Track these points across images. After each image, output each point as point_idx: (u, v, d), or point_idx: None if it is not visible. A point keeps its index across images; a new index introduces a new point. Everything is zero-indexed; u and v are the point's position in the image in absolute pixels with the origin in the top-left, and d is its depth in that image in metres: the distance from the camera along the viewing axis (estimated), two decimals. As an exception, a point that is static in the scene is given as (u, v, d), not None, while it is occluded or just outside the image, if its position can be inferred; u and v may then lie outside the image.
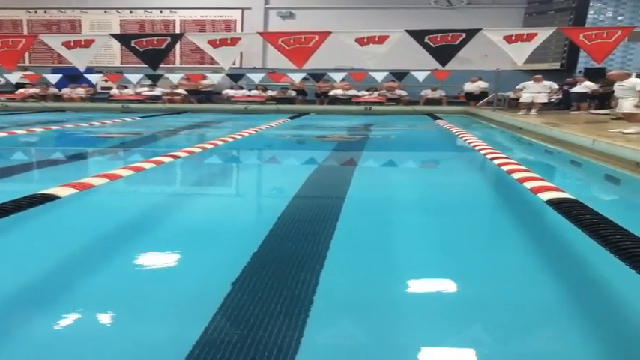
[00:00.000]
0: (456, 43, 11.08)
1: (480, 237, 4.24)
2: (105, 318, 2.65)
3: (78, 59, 11.93)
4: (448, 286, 3.12)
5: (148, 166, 6.60)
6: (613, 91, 11.12)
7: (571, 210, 4.03)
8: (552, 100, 17.46)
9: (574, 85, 17.42)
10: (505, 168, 6.31)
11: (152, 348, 2.31)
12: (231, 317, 2.53)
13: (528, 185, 5.12)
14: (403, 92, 21.63)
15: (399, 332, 2.49)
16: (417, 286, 3.13)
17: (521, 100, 16.20)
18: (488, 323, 2.59)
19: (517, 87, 16.87)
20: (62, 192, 4.79)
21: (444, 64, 11.04)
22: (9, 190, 5.68)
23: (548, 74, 17.25)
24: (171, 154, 7.62)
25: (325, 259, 3.41)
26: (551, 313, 2.74)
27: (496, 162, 6.85)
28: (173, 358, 2.14)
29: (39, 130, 12.10)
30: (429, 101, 21.21)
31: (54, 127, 12.73)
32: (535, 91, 15.85)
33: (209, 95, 22.82)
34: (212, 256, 3.63)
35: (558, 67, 21.06)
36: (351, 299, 2.88)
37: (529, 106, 15.86)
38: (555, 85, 16.82)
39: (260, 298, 2.76)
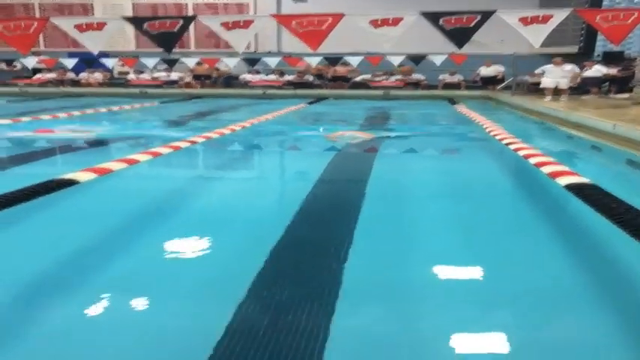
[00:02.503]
0: (471, 25, 11.03)
1: (500, 222, 4.25)
2: (133, 301, 2.69)
3: (91, 42, 11.97)
4: (469, 270, 3.14)
5: (166, 151, 6.64)
6: (633, 75, 10.99)
7: (591, 195, 4.02)
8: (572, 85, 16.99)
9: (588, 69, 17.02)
10: (523, 153, 6.29)
11: (181, 332, 2.34)
12: (260, 301, 2.57)
13: (546, 170, 5.10)
14: (421, 76, 21.49)
15: (423, 316, 2.52)
16: (440, 270, 3.14)
17: (543, 86, 15.49)
18: (510, 307, 2.61)
19: (536, 71, 16.27)
20: (82, 177, 4.83)
21: (460, 46, 10.99)
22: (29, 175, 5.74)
23: (566, 58, 16.95)
24: (190, 139, 7.67)
25: (351, 243, 3.45)
26: (572, 297, 2.76)
27: (514, 147, 6.82)
28: (204, 341, 2.17)
29: (60, 115, 12.18)
30: (448, 86, 21.03)
31: (75, 113, 12.80)
32: (558, 75, 15.16)
33: (228, 81, 22.78)
34: (237, 241, 3.67)
35: (576, 51, 20.82)
36: (377, 283, 2.92)
37: (554, 91, 15.11)
38: (577, 69, 15.91)
39: (289, 281, 2.81)
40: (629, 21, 10.62)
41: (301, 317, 2.38)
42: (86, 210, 4.49)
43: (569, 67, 15.47)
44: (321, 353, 2.09)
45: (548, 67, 15.55)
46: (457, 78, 21.20)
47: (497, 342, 2.28)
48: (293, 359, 2.05)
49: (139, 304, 2.67)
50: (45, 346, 2.24)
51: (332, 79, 22.26)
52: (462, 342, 2.29)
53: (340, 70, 21.96)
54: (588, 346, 2.29)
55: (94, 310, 2.59)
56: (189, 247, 3.57)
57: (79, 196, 4.68)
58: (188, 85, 22.14)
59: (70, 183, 4.62)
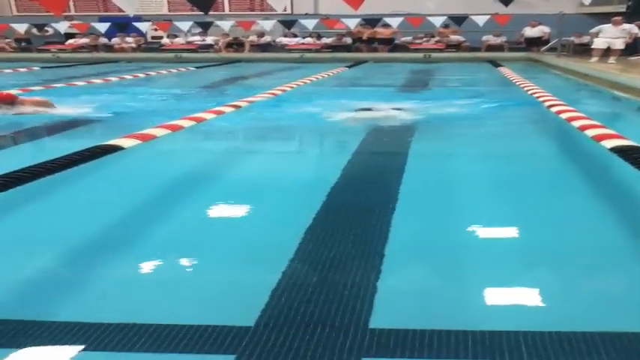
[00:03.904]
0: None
1: (543, 184, 4.39)
2: (183, 263, 2.89)
3: (126, 3, 12.02)
4: (513, 231, 3.30)
5: (208, 116, 6.83)
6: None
7: (637, 157, 4.11)
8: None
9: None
10: (565, 115, 6.34)
11: (231, 293, 2.52)
12: (309, 261, 2.76)
13: (591, 133, 5.17)
14: (461, 38, 21.34)
15: (467, 274, 2.68)
16: (483, 231, 3.29)
17: (595, 46, 15.03)
18: (552, 266, 2.77)
19: (591, 31, 15.73)
20: (126, 142, 5.04)
21: (506, 4, 10.86)
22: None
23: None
24: (231, 104, 7.87)
25: (395, 205, 3.63)
26: (615, 257, 2.90)
27: (556, 109, 6.87)
28: (253, 302, 2.31)
29: (97, 81, 12.45)
30: (491, 48, 20.82)
31: (112, 79, 13.08)
32: (613, 35, 14.67)
33: (265, 46, 22.80)
34: (282, 205, 3.87)
35: (624, 10, 20.43)
36: (421, 243, 3.10)
37: (604, 52, 14.75)
38: (636, 30, 15.16)
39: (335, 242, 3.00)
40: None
41: (349, 275, 2.57)
42: (131, 175, 4.75)
43: (627, 27, 14.97)
44: (370, 309, 2.27)
45: (605, 26, 15.05)
46: (501, 40, 20.98)
47: (539, 298, 2.42)
48: (343, 313, 2.23)
49: (190, 264, 2.88)
50: (99, 301, 2.45)
51: (368, 41, 22.13)
52: (504, 298, 2.45)
53: (383, 31, 21.79)
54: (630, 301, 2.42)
55: (151, 269, 2.82)
56: (236, 210, 3.80)
57: (123, 162, 4.92)
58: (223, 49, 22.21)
59: (115, 149, 4.84)
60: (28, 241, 3.21)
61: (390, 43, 21.84)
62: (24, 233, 3.37)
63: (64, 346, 2.01)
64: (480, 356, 1.92)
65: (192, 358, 1.96)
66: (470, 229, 3.31)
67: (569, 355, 1.92)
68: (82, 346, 2.00)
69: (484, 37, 21.04)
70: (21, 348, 2.01)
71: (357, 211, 3.58)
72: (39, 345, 2.04)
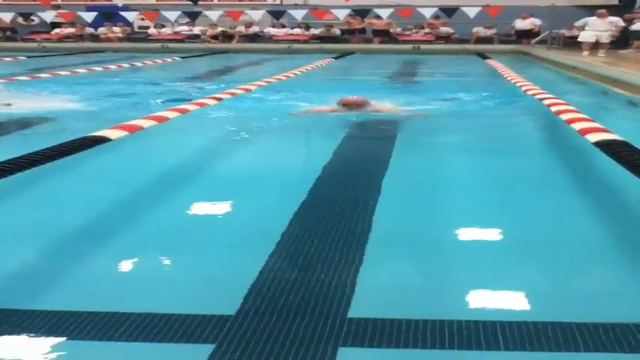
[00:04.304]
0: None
1: (528, 178, 4.45)
2: (167, 253, 2.93)
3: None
4: (498, 225, 3.34)
5: (193, 108, 6.85)
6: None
7: (620, 152, 4.15)
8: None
9: (631, 22, 16.54)
10: (554, 109, 6.37)
11: (213, 283, 2.57)
12: (289, 255, 2.81)
13: (577, 126, 5.22)
14: (450, 30, 21.39)
15: (450, 269, 2.72)
16: (467, 225, 3.35)
17: (581, 39, 14.97)
18: (536, 260, 2.82)
19: (576, 23, 15.71)
20: (113, 134, 5.05)
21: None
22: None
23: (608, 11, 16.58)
24: (215, 95, 7.88)
25: (378, 199, 3.68)
26: (597, 251, 2.95)
27: (546, 102, 6.91)
28: (234, 292, 2.36)
29: (81, 71, 12.44)
30: (480, 40, 20.90)
31: (97, 69, 13.05)
32: (600, 28, 14.58)
33: (253, 37, 22.69)
34: (267, 197, 3.92)
35: (617, 3, 20.49)
36: (403, 237, 3.15)
37: (593, 46, 14.70)
38: (622, 23, 15.24)
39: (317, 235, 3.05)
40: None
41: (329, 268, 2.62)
42: (118, 167, 4.78)
43: (613, 20, 14.93)
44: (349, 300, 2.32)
45: (591, 19, 15.00)
46: (491, 32, 20.99)
47: (523, 294, 2.46)
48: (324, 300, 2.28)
49: (173, 254, 2.92)
50: (80, 290, 2.49)
51: (361, 32, 22.11)
52: (487, 294, 2.50)
53: (377, 22, 21.74)
54: (612, 296, 2.46)
55: (135, 259, 2.87)
56: (220, 203, 3.85)
57: (112, 153, 4.94)
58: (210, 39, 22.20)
59: (103, 140, 4.85)
60: (15, 231, 3.25)
61: (385, 35, 21.80)
62: (9, 223, 3.40)
63: (46, 335, 2.04)
64: (457, 346, 1.97)
65: (173, 347, 2.00)
66: (450, 222, 3.38)
67: (545, 344, 1.97)
68: (63, 335, 2.04)
69: (474, 29, 21.06)
70: (2, 336, 2.04)
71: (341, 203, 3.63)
72: (21, 333, 2.07)
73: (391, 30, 21.79)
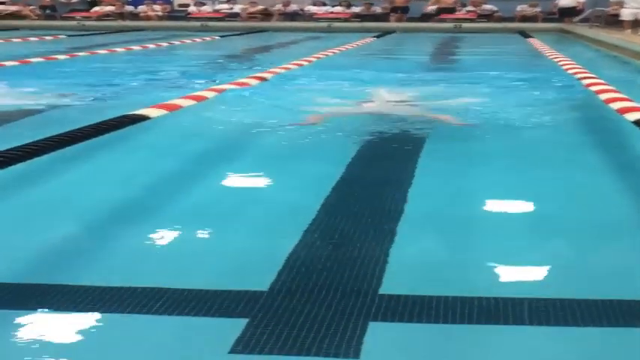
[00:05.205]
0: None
1: (563, 157, 4.48)
2: (202, 230, 3.04)
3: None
4: (531, 204, 3.39)
5: (231, 87, 6.93)
6: None
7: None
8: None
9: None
10: (594, 88, 6.34)
11: (247, 261, 2.62)
12: (323, 232, 2.88)
13: (615, 106, 5.19)
14: (494, 7, 21.14)
15: (481, 245, 2.78)
16: (499, 203, 3.42)
17: (623, 18, 14.65)
18: (567, 237, 2.86)
19: (612, 0, 15.61)
20: (152, 112, 5.17)
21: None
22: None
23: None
24: (256, 75, 7.95)
25: (412, 179, 3.74)
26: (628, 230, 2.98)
27: (585, 82, 6.87)
28: (268, 268, 2.42)
29: (120, 50, 12.60)
30: (525, 18, 20.65)
31: (135, 47, 13.23)
32: (638, 5, 14.24)
33: (293, 15, 22.71)
34: (301, 177, 4.00)
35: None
36: (436, 215, 3.20)
37: (634, 24, 14.28)
38: None
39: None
40: None
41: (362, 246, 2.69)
42: (157, 144, 4.90)
43: None
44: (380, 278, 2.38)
45: None
46: (535, 10, 20.70)
47: (554, 270, 2.50)
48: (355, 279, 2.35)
49: (209, 231, 3.04)
50: (118, 267, 2.57)
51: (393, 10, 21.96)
52: (516, 270, 2.56)
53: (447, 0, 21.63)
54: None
55: (171, 236, 2.95)
56: (254, 181, 3.96)
57: (151, 132, 5.06)
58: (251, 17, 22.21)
59: (142, 118, 4.97)
60: (54, 208, 3.36)
61: (452, 12, 21.47)
62: (51, 200, 3.52)
63: (85, 310, 2.12)
64: (485, 321, 2.03)
65: (207, 321, 2.07)
66: (481, 200, 3.43)
67: (571, 320, 2.02)
68: (102, 310, 2.12)
69: (519, 7, 20.78)
70: (46, 311, 2.13)
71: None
72: (60, 308, 2.16)
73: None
